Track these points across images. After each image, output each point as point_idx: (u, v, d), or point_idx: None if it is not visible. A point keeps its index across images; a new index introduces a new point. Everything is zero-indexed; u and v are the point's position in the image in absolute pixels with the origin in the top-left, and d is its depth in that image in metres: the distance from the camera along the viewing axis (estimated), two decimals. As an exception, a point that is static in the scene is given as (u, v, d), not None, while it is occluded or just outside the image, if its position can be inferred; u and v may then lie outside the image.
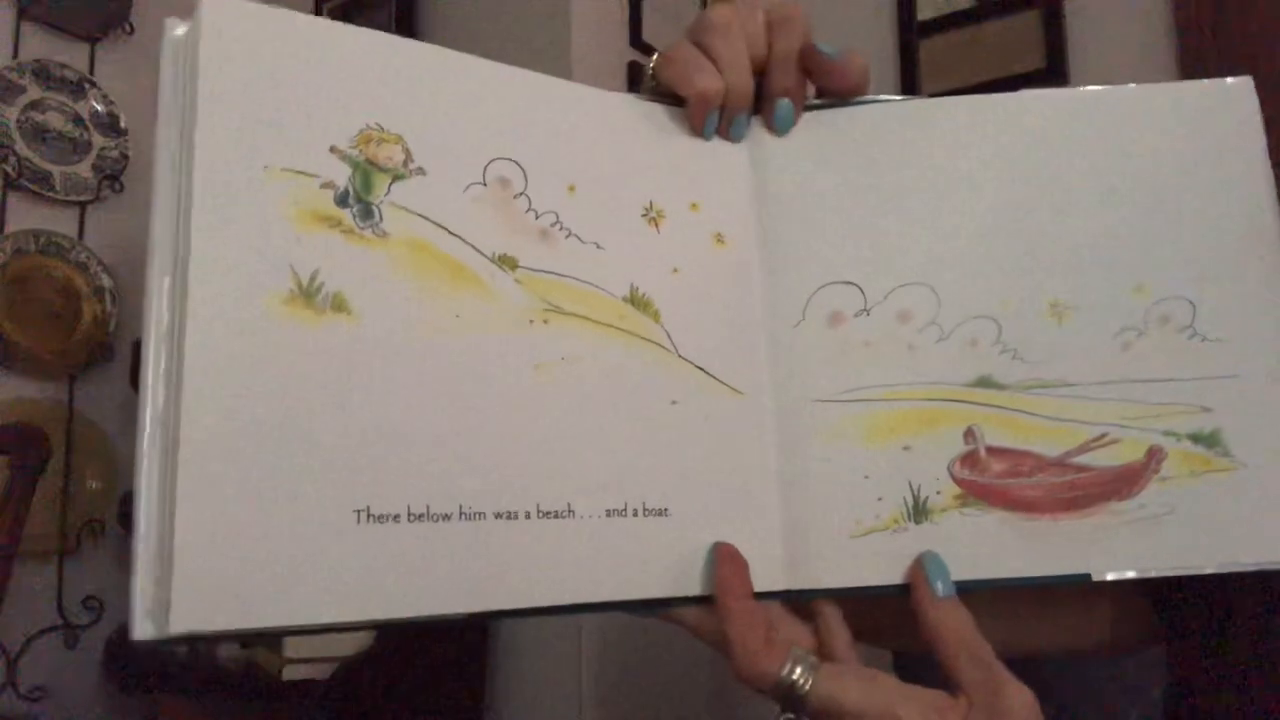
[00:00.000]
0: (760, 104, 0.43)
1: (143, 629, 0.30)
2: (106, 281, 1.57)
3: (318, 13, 1.75)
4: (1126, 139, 0.43)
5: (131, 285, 1.59)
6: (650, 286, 0.40)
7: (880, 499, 0.40)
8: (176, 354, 0.30)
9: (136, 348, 1.48)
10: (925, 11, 1.63)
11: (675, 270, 0.41)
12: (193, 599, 0.29)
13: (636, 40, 1.53)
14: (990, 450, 0.40)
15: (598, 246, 0.39)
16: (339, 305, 0.33)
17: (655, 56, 0.43)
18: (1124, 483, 0.40)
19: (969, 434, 0.41)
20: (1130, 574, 0.39)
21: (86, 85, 1.58)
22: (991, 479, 0.40)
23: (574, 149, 0.39)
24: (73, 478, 1.51)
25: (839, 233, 0.42)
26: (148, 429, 0.30)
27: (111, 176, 1.58)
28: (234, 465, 0.30)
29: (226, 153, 0.32)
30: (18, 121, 1.50)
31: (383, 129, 0.35)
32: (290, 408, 0.32)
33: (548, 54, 1.45)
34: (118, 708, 1.51)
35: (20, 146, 1.50)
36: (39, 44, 1.54)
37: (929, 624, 0.38)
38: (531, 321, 0.37)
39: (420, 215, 0.35)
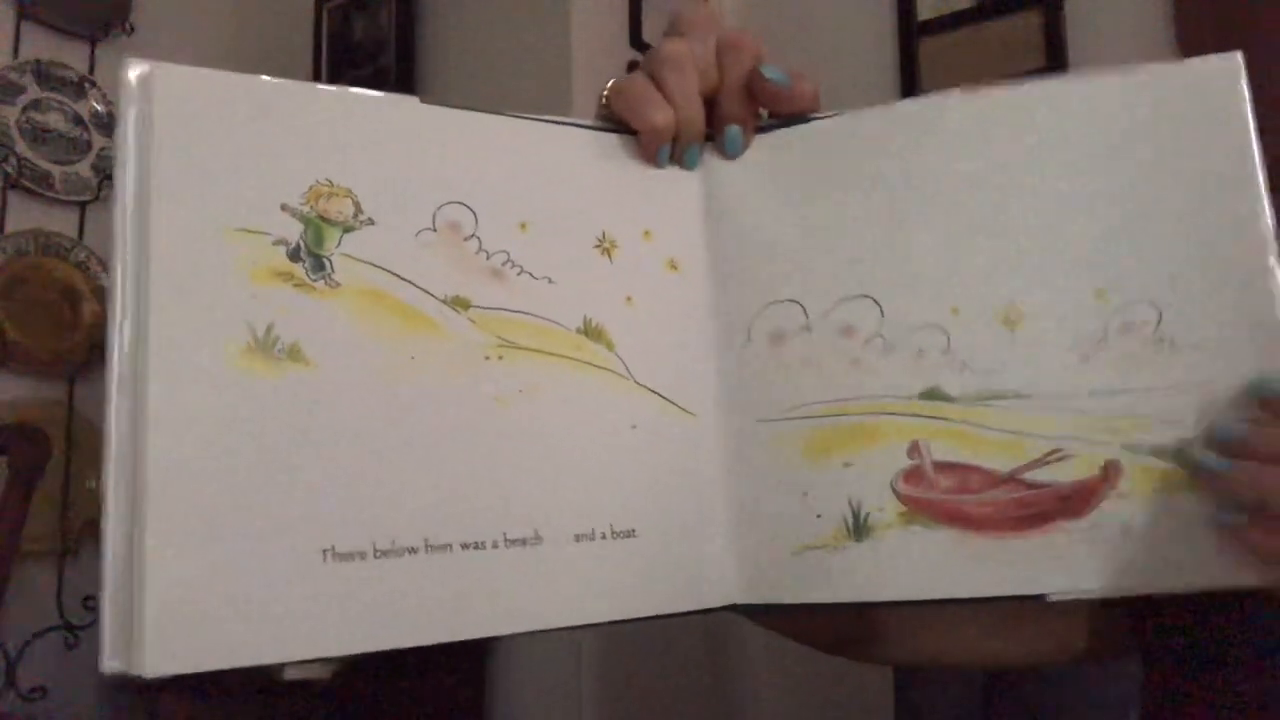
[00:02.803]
0: (712, 130, 0.44)
1: (112, 665, 0.32)
2: (106, 281, 1.57)
3: (318, 13, 1.75)
4: (1091, 131, 0.40)
5: (131, 285, 1.59)
6: (604, 316, 0.41)
7: (819, 516, 0.40)
8: (140, 403, 0.32)
9: (136, 348, 1.48)
10: (925, 11, 1.63)
11: (629, 299, 0.42)
12: (164, 644, 0.31)
13: (636, 40, 1.53)
14: (938, 465, 0.39)
15: (550, 281, 0.40)
16: (295, 355, 0.34)
17: (609, 85, 0.43)
18: (1078, 500, 0.38)
19: (914, 449, 0.40)
20: (1085, 594, 0.38)
21: (86, 85, 1.58)
22: (938, 495, 0.39)
23: (525, 187, 0.41)
24: (73, 478, 1.51)
25: (783, 251, 0.43)
26: (111, 476, 0.32)
27: (111, 176, 1.58)
28: (198, 511, 0.32)
29: (182, 214, 0.34)
30: (18, 121, 1.50)
31: (332, 183, 0.36)
32: (252, 455, 0.33)
33: (548, 54, 1.45)
34: (118, 708, 1.51)
35: (20, 146, 1.50)
36: (39, 44, 1.54)
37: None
38: (487, 358, 0.38)
39: (371, 264, 0.36)
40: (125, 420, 0.32)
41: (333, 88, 0.38)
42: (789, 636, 0.53)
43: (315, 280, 0.35)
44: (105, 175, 1.58)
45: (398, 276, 0.37)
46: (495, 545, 0.37)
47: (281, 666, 1.23)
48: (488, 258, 0.39)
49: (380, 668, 1.26)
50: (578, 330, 0.40)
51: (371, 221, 0.37)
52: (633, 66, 1.54)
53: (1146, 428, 0.37)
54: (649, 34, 1.54)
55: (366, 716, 1.26)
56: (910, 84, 1.63)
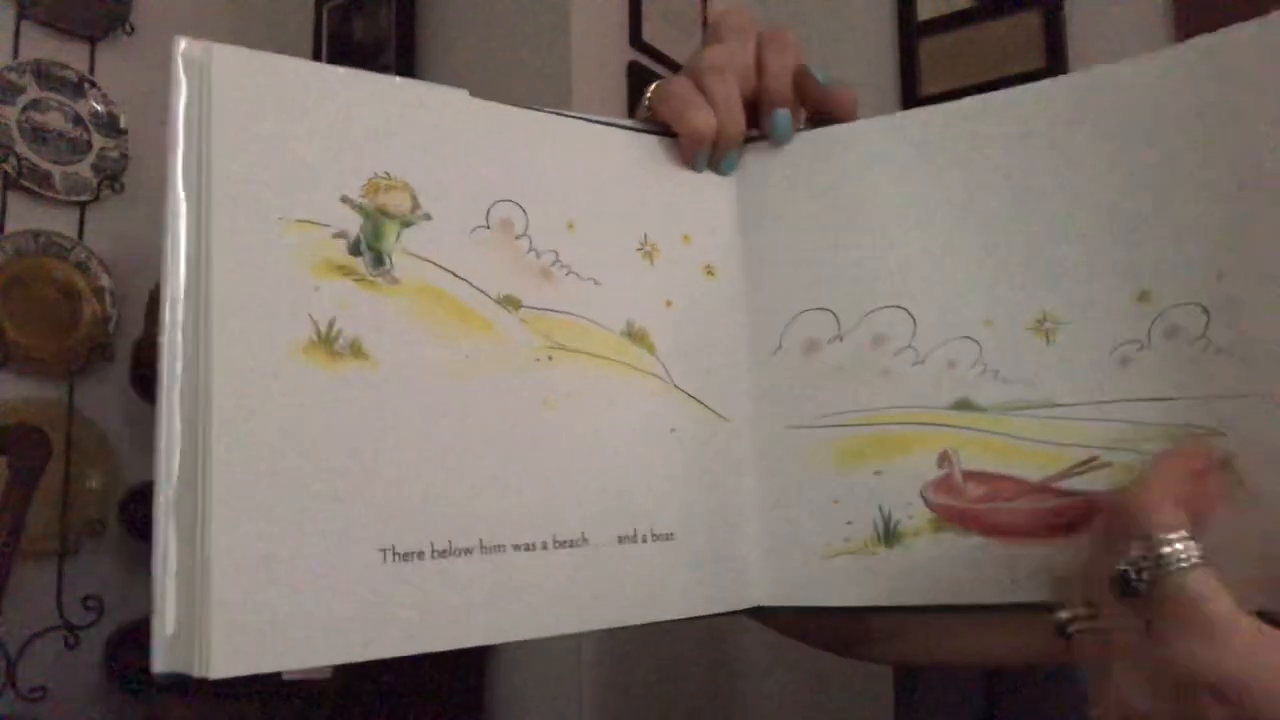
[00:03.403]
0: (757, 123, 0.44)
1: (167, 666, 0.30)
2: (106, 281, 1.57)
3: (318, 13, 1.75)
4: (1129, 119, 0.38)
5: (131, 285, 1.59)
6: (645, 320, 0.41)
7: (850, 523, 0.41)
8: (203, 403, 0.31)
9: (136, 348, 1.48)
10: (925, 11, 1.63)
11: (668, 303, 0.42)
12: (230, 645, 0.30)
13: (636, 40, 1.53)
14: (968, 474, 0.39)
15: (595, 283, 0.40)
16: (356, 351, 0.34)
17: (653, 88, 0.44)
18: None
19: (944, 458, 0.40)
20: None
21: (86, 85, 1.58)
22: (969, 503, 0.39)
23: (572, 187, 0.41)
24: (73, 478, 1.51)
25: (815, 259, 0.43)
26: (175, 473, 0.31)
27: (111, 176, 1.58)
28: (264, 511, 0.31)
29: (243, 203, 0.33)
30: (18, 121, 1.50)
31: (390, 176, 0.36)
32: (314, 452, 0.33)
33: (548, 54, 1.45)
34: (118, 708, 1.51)
35: (20, 146, 1.50)
36: (39, 44, 1.54)
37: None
38: (537, 360, 0.38)
39: (428, 260, 0.36)
40: (182, 415, 0.31)
41: (385, 76, 0.37)
42: (797, 637, 0.53)
43: (376, 275, 0.35)
44: (105, 175, 1.58)
45: (453, 274, 0.37)
46: (545, 546, 0.37)
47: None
48: (538, 256, 0.39)
49: (380, 668, 1.26)
50: (621, 333, 0.40)
51: (428, 216, 0.36)
52: (633, 66, 1.54)
53: (1192, 437, 0.36)
54: (649, 34, 1.54)
55: (366, 716, 1.26)
56: (910, 84, 1.63)
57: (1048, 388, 0.38)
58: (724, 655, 1.51)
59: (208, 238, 0.32)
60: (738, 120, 0.43)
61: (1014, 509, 0.38)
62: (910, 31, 1.64)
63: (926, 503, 0.40)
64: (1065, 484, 0.38)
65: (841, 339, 0.42)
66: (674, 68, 1.58)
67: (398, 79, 0.38)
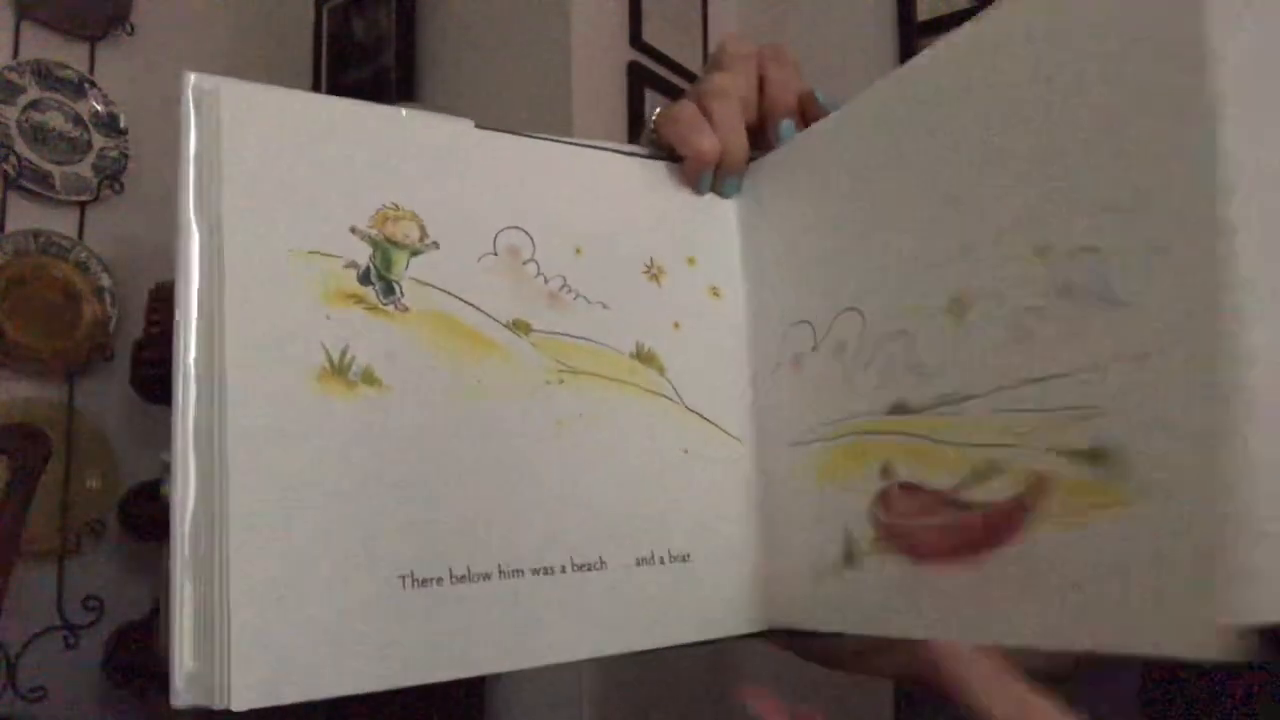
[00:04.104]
0: (759, 145, 0.45)
1: (186, 700, 0.30)
2: (106, 281, 1.57)
3: (319, 13, 1.75)
4: (1007, 68, 0.32)
5: (131, 285, 1.59)
6: (655, 341, 0.41)
7: (828, 542, 0.38)
8: (219, 431, 0.31)
9: (136, 348, 1.48)
10: (925, 11, 1.63)
11: (676, 325, 0.42)
12: (253, 678, 0.30)
13: (636, 40, 1.53)
14: (903, 486, 0.35)
15: (604, 306, 0.41)
16: (369, 378, 0.34)
17: (657, 112, 0.45)
18: (1004, 524, 0.30)
19: (885, 469, 0.36)
20: (1022, 644, 0.30)
21: (86, 85, 1.58)
22: (896, 519, 0.35)
23: (578, 213, 0.41)
24: (73, 478, 1.51)
25: (799, 272, 0.42)
26: (190, 505, 0.31)
27: (111, 176, 1.58)
28: (282, 541, 0.31)
29: (254, 236, 0.33)
30: (18, 121, 1.50)
31: (398, 207, 0.36)
32: (331, 480, 0.33)
33: (548, 54, 1.44)
34: (118, 708, 1.51)
35: (20, 146, 1.50)
36: (39, 44, 1.54)
37: (952, 678, 0.31)
38: (548, 382, 0.38)
39: (438, 288, 0.37)
40: (196, 447, 0.31)
41: (391, 108, 0.38)
42: (801, 656, 0.52)
43: (386, 304, 0.35)
44: (105, 175, 1.58)
45: (462, 300, 0.37)
46: (564, 570, 0.37)
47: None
48: (546, 281, 0.39)
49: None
50: (631, 355, 0.41)
51: (436, 245, 0.37)
52: (633, 66, 1.54)
53: (1081, 423, 0.28)
54: (649, 34, 1.54)
55: (366, 717, 1.26)
56: (910, 84, 1.63)
57: (960, 377, 0.33)
58: (725, 656, 1.51)
59: (220, 270, 0.32)
60: (741, 144, 0.44)
61: (927, 526, 0.33)
62: (910, 31, 1.64)
63: (872, 520, 0.36)
64: (967, 495, 0.32)
65: (817, 349, 0.41)
66: (674, 68, 1.58)
67: (403, 110, 0.38)
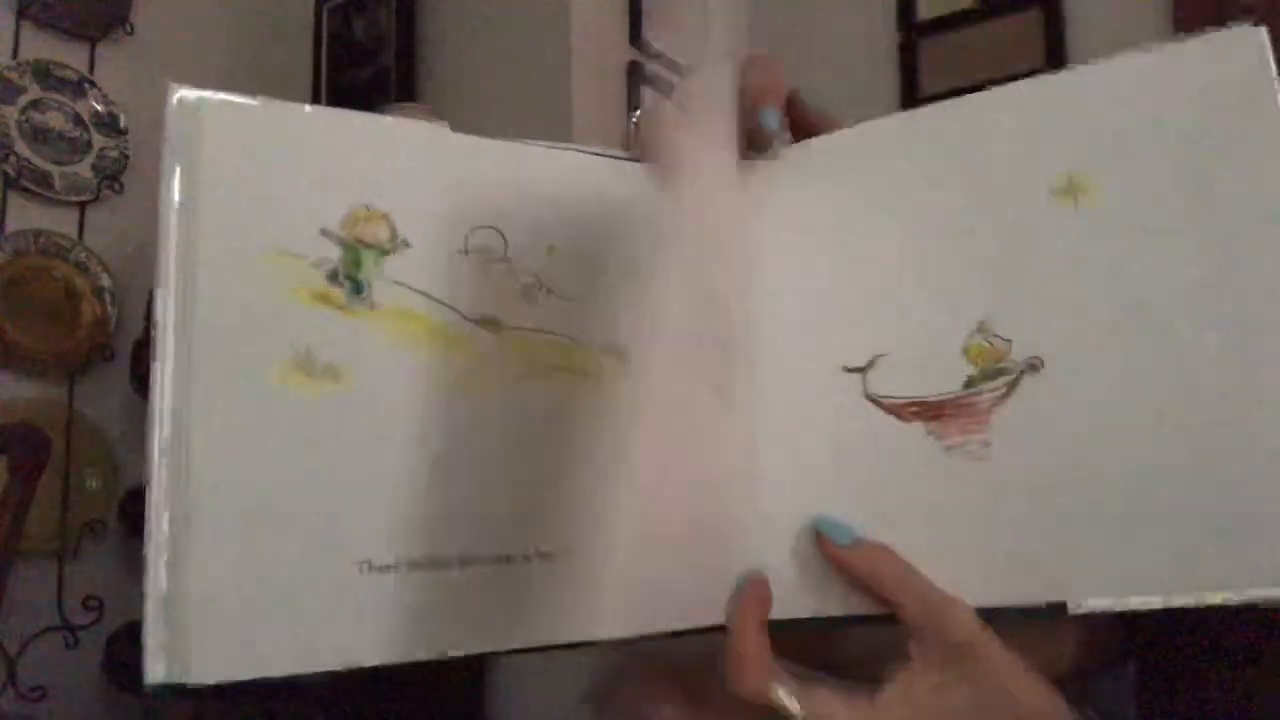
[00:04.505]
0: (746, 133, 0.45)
1: (155, 674, 0.32)
2: (106, 281, 1.57)
3: (318, 13, 1.75)
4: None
5: (131, 285, 1.59)
6: (628, 338, 0.42)
7: None
8: (188, 423, 0.33)
9: (137, 347, 1.48)
10: (925, 11, 1.63)
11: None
12: (209, 652, 0.32)
13: (636, 40, 1.53)
14: None
15: (577, 303, 0.41)
16: (333, 374, 0.36)
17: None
18: None
19: None
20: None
21: (86, 85, 1.58)
22: None
23: (553, 214, 0.42)
24: (73, 478, 1.51)
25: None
26: (162, 486, 0.33)
27: (111, 176, 1.58)
28: (243, 525, 0.33)
29: (227, 238, 0.35)
30: (18, 121, 1.50)
31: (369, 208, 0.38)
32: (293, 470, 0.34)
33: (548, 54, 1.45)
34: (118, 708, 1.51)
35: (20, 146, 1.50)
36: (39, 44, 1.54)
37: (862, 572, 0.39)
38: (517, 377, 0.39)
39: (409, 286, 0.38)
40: (171, 433, 0.33)
41: (368, 115, 0.40)
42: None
43: (353, 303, 0.37)
44: (105, 175, 1.58)
45: (432, 298, 0.38)
46: (528, 559, 0.38)
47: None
48: (517, 280, 0.40)
49: (380, 669, 1.26)
50: (601, 350, 0.41)
51: (408, 244, 0.38)
52: (632, 66, 1.54)
53: None
54: (649, 34, 1.54)
55: (366, 718, 1.26)
56: (910, 84, 1.63)
57: None
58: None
59: (193, 269, 0.34)
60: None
61: None
62: (910, 31, 1.64)
63: None
64: None
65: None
66: (674, 68, 1.58)
67: (385, 118, 0.40)
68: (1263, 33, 0.34)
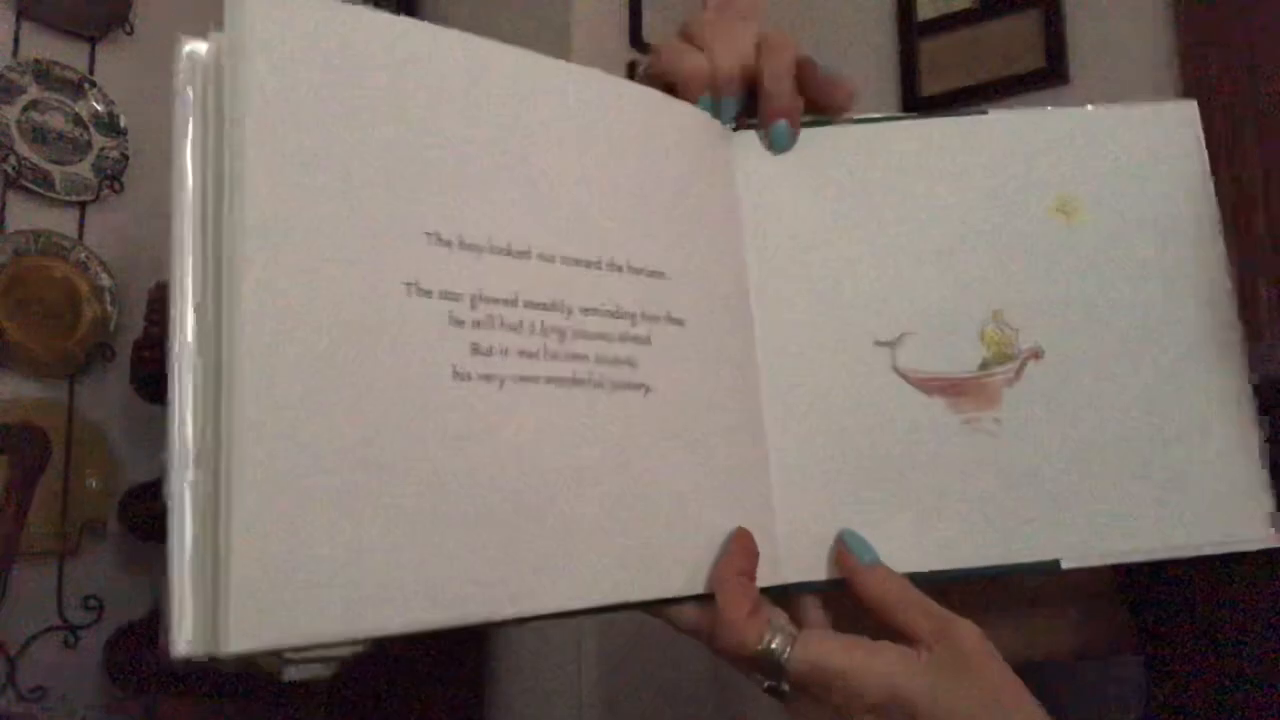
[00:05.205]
0: (759, 125, 0.45)
1: (183, 647, 0.30)
2: (106, 281, 1.57)
3: (318, 13, 1.75)
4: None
5: (131, 285, 1.59)
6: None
7: None
8: (226, 374, 0.31)
9: (137, 348, 1.48)
10: (925, 11, 1.63)
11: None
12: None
13: (636, 40, 1.53)
14: None
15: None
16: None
17: (648, 56, 0.45)
18: None
19: None
20: None
21: (86, 85, 1.57)
22: None
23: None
24: (73, 478, 1.50)
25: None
26: (189, 448, 0.31)
27: (112, 176, 1.58)
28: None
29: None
30: (18, 121, 1.50)
31: None
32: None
33: (547, 53, 1.44)
34: (118, 708, 1.51)
35: (20, 146, 1.50)
36: (39, 44, 1.54)
37: (872, 594, 0.40)
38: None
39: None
40: (199, 388, 0.31)
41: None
42: None
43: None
44: (105, 175, 1.58)
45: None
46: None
47: (282, 667, 1.23)
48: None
49: (380, 669, 1.26)
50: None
51: None
52: (632, 66, 1.54)
53: None
54: (649, 34, 1.54)
55: (367, 718, 1.26)
56: (910, 84, 1.63)
57: None
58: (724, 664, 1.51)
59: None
60: (731, 64, 0.44)
61: None
62: (910, 31, 1.64)
63: None
64: None
65: None
66: (674, 68, 1.58)
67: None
68: (1194, 105, 0.45)
